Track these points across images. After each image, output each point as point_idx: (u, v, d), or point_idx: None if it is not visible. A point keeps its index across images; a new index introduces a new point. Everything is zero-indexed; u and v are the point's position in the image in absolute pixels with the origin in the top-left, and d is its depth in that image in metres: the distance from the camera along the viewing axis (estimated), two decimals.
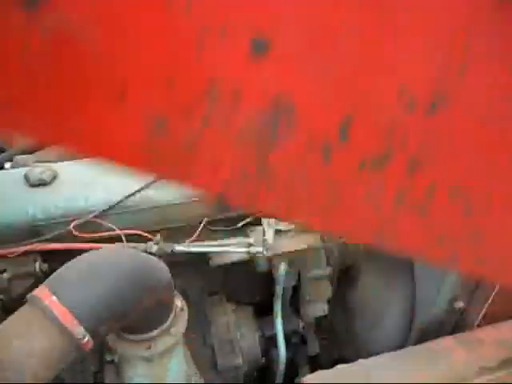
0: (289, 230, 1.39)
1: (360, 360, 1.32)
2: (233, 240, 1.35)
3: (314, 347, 1.66)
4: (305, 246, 1.40)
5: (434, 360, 1.35)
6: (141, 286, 1.05)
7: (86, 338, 0.93)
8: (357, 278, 1.78)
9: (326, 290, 1.62)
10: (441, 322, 1.47)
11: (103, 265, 1.03)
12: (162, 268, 1.13)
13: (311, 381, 1.25)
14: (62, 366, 0.94)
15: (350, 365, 1.31)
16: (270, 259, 1.39)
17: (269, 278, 1.46)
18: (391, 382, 1.27)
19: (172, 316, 1.25)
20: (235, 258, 1.43)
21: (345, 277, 1.75)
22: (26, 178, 1.37)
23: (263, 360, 1.53)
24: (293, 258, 1.41)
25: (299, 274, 1.53)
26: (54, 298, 0.93)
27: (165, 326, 1.22)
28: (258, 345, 1.50)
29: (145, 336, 1.20)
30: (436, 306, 1.46)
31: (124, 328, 1.18)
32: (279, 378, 1.50)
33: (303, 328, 1.61)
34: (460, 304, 1.43)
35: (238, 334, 1.46)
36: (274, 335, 1.51)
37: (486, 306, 1.43)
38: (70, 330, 0.91)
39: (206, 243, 1.34)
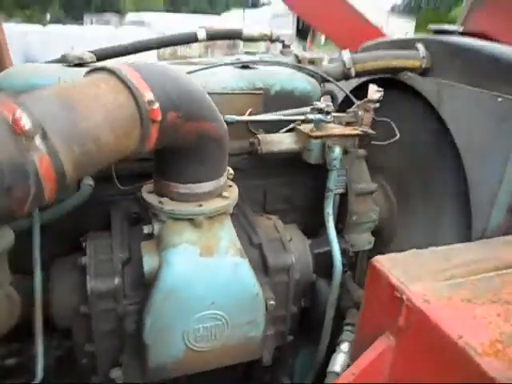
0: None
1: (431, 247, 1.18)
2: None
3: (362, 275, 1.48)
4: (358, 132, 1.30)
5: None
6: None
7: (156, 106, 0.80)
8: None
9: (373, 210, 1.49)
10: (499, 227, 1.35)
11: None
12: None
13: (385, 261, 1.10)
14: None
15: (423, 250, 1.17)
16: (323, 146, 1.28)
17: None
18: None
19: (224, 178, 1.11)
20: (285, 146, 1.32)
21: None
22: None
23: (314, 277, 1.34)
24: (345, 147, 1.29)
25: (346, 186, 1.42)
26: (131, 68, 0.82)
27: (216, 182, 1.07)
28: (308, 251, 1.32)
29: (195, 189, 1.04)
30: (493, 212, 1.35)
31: (174, 173, 1.03)
32: (334, 292, 1.30)
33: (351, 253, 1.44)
34: None
35: (287, 235, 1.29)
36: (324, 253, 1.35)
37: None
38: (141, 92, 0.78)
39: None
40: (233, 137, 1.39)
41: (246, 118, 1.24)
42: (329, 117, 1.23)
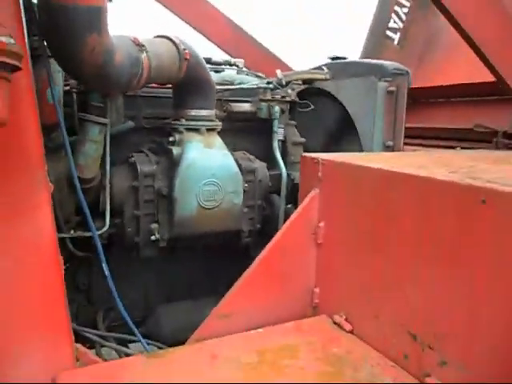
0: None
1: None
2: None
3: None
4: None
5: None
6: None
7: (187, 51, 1.66)
8: None
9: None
10: None
11: None
12: None
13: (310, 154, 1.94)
14: None
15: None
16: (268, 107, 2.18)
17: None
18: None
19: (213, 111, 1.94)
20: (244, 108, 2.20)
21: None
22: None
23: (269, 184, 2.13)
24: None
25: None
26: None
27: (210, 112, 1.91)
28: (265, 168, 2.12)
29: (200, 112, 1.87)
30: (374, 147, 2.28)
31: (188, 102, 1.85)
32: (282, 198, 2.09)
33: None
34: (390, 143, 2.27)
35: (252, 158, 2.10)
36: (275, 175, 2.17)
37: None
38: (179, 44, 1.65)
39: None
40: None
41: (225, 87, 2.12)
42: (271, 85, 2.15)
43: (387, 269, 1.30)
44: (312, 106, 2.41)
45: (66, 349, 1.35)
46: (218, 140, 1.90)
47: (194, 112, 1.87)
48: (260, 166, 2.12)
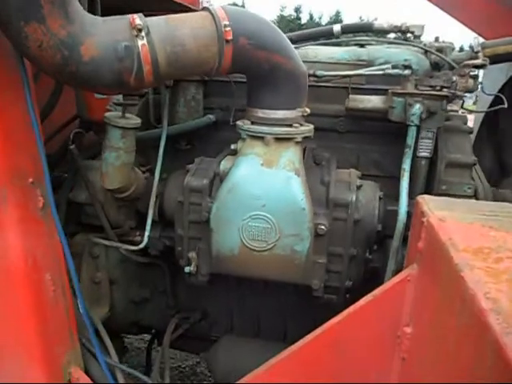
0: None
1: None
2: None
3: None
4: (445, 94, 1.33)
5: None
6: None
7: (228, 28, 1.13)
8: None
9: (467, 184, 1.43)
10: None
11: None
12: None
13: (429, 198, 1.12)
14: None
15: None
16: (406, 105, 1.36)
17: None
18: None
19: (297, 112, 1.33)
20: (371, 104, 1.45)
21: None
22: None
23: (379, 227, 1.39)
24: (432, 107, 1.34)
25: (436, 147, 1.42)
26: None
27: (288, 113, 1.31)
28: (377, 201, 1.39)
29: (269, 114, 1.31)
30: None
31: (254, 100, 1.33)
32: (394, 243, 1.32)
33: None
34: None
35: (357, 180, 1.39)
36: (395, 211, 1.39)
37: None
38: (220, 19, 1.13)
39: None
40: (333, 100, 1.62)
41: (332, 73, 1.44)
42: (406, 71, 1.32)
43: None
44: (505, 105, 1.40)
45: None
46: (289, 155, 1.30)
47: (260, 113, 1.32)
48: (365, 196, 1.39)
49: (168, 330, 1.80)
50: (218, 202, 1.32)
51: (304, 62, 1.47)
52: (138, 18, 1.08)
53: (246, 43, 1.19)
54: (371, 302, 1.07)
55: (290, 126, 1.32)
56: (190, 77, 1.53)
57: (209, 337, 1.87)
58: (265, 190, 1.28)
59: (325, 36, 1.93)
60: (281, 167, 1.29)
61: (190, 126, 1.58)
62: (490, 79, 2.05)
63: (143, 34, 1.08)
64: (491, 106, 1.95)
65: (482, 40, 1.68)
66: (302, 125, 1.35)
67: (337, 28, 1.89)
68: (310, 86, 1.46)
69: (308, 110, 1.37)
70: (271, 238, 1.30)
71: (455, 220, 0.95)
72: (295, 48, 1.65)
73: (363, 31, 1.93)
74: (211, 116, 1.60)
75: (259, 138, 1.32)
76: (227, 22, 1.15)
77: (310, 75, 1.45)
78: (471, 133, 1.52)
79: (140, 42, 1.08)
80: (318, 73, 1.45)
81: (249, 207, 1.29)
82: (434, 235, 0.92)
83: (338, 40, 1.72)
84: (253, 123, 1.34)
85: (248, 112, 1.36)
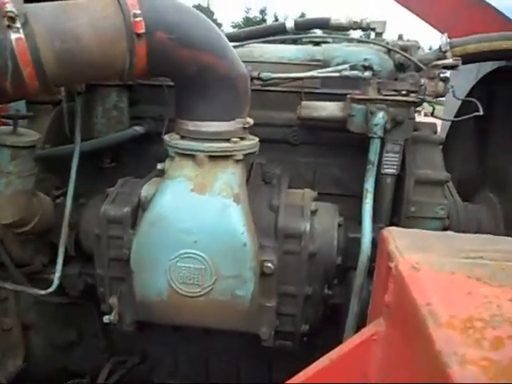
0: None
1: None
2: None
3: None
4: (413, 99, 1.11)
5: None
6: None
7: (139, 19, 0.86)
8: None
9: (440, 205, 1.22)
10: None
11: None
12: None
13: (396, 231, 0.90)
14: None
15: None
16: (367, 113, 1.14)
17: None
18: None
19: (237, 123, 1.08)
20: (327, 113, 1.22)
21: None
22: None
23: (339, 260, 1.16)
24: (396, 115, 1.12)
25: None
26: None
27: (225, 125, 1.06)
28: (335, 229, 1.15)
29: (201, 127, 1.05)
30: None
31: (182, 110, 1.06)
32: (358, 281, 1.09)
33: None
34: None
35: (312, 204, 1.16)
36: (358, 239, 1.16)
37: None
38: (128, 7, 0.86)
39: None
40: (284, 107, 1.38)
41: (281, 75, 1.20)
42: (367, 73, 1.09)
43: None
44: (480, 111, 1.20)
45: None
46: (226, 177, 1.05)
47: (191, 125, 1.06)
48: (322, 223, 1.16)
49: (101, 376, 1.52)
50: (140, 237, 1.05)
51: (248, 62, 1.24)
52: (10, 3, 0.80)
53: (164, 38, 0.93)
54: (328, 368, 0.84)
55: (228, 140, 1.07)
56: (102, 81, 1.25)
57: (149, 382, 1.60)
58: (196, 223, 1.02)
59: (276, 33, 1.70)
60: (216, 193, 1.03)
61: (111, 140, 1.30)
62: (457, 81, 1.87)
63: (18, 24, 0.80)
64: (459, 110, 1.77)
65: (448, 38, 1.49)
66: (243, 139, 1.10)
67: (290, 24, 1.66)
68: (254, 90, 1.22)
69: (251, 121, 1.12)
70: (206, 281, 1.04)
71: (432, 269, 0.72)
72: (240, 46, 1.42)
73: (319, 27, 1.71)
74: (138, 128, 1.33)
75: (190, 156, 1.06)
76: (138, 11, 0.89)
77: (253, 78, 1.21)
78: (442, 143, 1.32)
79: (14, 36, 0.80)
80: (264, 75, 1.21)
81: (177, 244, 1.03)
82: (406, 292, 0.70)
83: (291, 37, 1.48)
84: (182, 138, 1.08)
85: (177, 124, 1.10)
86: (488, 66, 1.59)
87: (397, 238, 0.85)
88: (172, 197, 1.03)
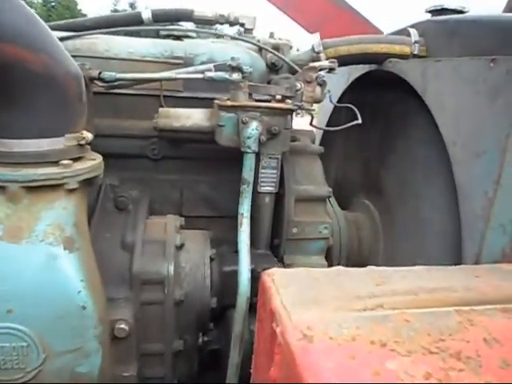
0: None
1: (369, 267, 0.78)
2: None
3: None
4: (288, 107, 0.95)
5: None
6: None
7: None
8: None
9: (323, 223, 1.09)
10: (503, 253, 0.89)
11: None
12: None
13: (280, 275, 0.72)
14: None
15: (348, 269, 0.77)
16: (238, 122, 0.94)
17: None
18: None
19: (68, 141, 0.80)
20: (191, 122, 0.99)
21: None
22: None
23: (213, 302, 0.95)
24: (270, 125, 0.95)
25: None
26: None
27: (48, 142, 0.77)
28: (207, 266, 0.94)
29: (13, 146, 0.74)
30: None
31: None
32: (237, 325, 0.89)
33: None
34: None
35: (177, 237, 0.93)
36: (235, 272, 0.96)
37: None
38: None
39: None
40: (141, 114, 1.13)
41: (127, 75, 0.94)
42: (235, 75, 0.90)
43: None
44: (359, 120, 1.10)
45: None
46: (54, 215, 0.76)
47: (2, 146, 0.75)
48: (190, 260, 0.94)
49: None
50: None
51: (88, 57, 0.96)
52: None
53: None
54: None
55: (56, 164, 0.78)
56: None
57: None
58: (8, 286, 0.71)
59: (131, 24, 1.42)
60: (38, 239, 0.73)
61: None
62: (329, 86, 1.81)
63: None
64: (332, 115, 1.71)
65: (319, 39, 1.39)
66: (78, 159, 0.82)
67: (147, 14, 1.40)
68: (99, 94, 0.95)
69: (89, 136, 0.84)
70: (31, 362, 0.74)
71: (327, 336, 0.55)
72: (77, 37, 1.12)
73: (181, 20, 1.48)
74: None
75: None
76: None
77: (92, 78, 0.93)
78: (321, 154, 1.20)
79: None
80: (107, 75, 0.93)
81: None
82: (297, 372, 0.52)
83: (144, 27, 1.23)
84: None
85: None
86: (358, 71, 1.54)
87: (281, 286, 0.68)
88: None
